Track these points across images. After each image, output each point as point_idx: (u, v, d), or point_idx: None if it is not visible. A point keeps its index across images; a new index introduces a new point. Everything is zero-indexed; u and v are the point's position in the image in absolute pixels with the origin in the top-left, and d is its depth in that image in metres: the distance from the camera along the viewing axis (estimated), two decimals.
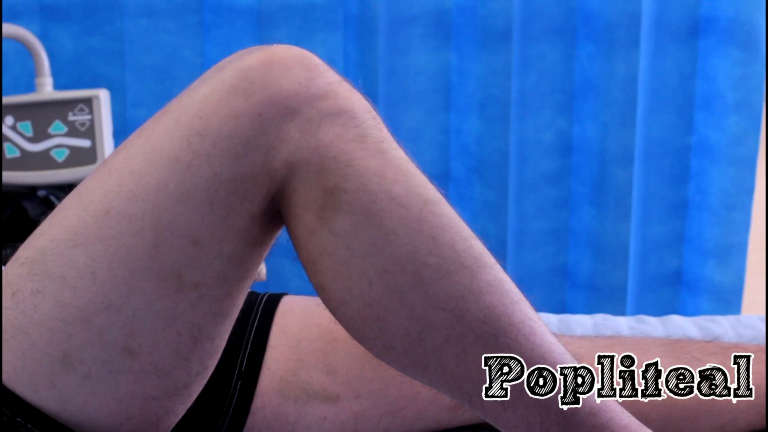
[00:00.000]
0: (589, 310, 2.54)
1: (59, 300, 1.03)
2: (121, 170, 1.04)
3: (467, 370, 1.04)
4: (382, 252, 1.02)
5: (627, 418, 1.07)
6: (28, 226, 2.18)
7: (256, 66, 1.03)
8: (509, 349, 1.04)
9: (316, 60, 1.06)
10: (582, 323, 1.70)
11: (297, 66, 1.04)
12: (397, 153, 1.06)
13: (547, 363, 1.05)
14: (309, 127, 1.03)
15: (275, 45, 1.06)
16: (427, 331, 1.04)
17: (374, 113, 1.07)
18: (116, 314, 1.03)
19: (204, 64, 2.38)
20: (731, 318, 1.72)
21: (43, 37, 2.33)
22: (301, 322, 1.30)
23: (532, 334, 1.05)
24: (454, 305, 1.03)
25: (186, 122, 1.03)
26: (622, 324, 1.70)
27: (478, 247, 1.05)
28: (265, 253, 1.09)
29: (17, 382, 1.05)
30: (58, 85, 2.34)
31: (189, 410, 1.17)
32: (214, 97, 1.03)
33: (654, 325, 1.68)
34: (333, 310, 1.07)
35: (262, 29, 2.39)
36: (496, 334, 1.04)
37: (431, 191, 1.05)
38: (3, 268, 1.11)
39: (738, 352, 1.27)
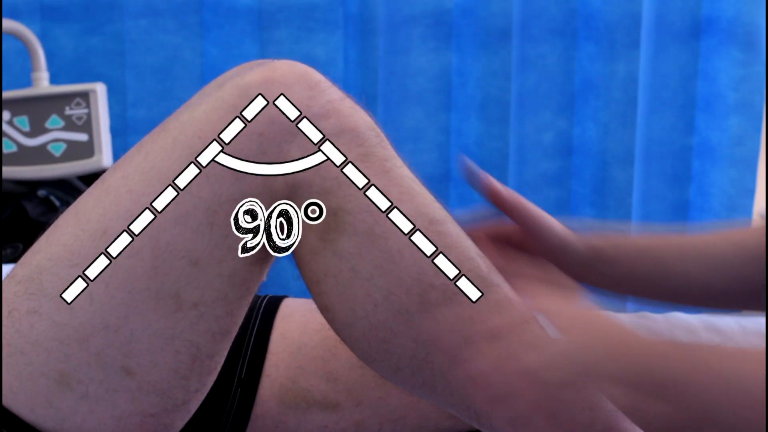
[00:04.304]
0: None
1: (56, 320, 1.03)
2: (119, 189, 1.03)
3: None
4: (387, 274, 1.02)
5: None
6: (28, 226, 2.17)
7: (256, 84, 1.02)
8: None
9: (317, 77, 1.05)
10: None
11: (298, 84, 1.03)
12: (402, 171, 1.05)
13: None
14: (310, 146, 1.02)
15: (276, 61, 1.05)
16: (434, 352, 1.03)
17: (378, 131, 1.06)
18: (114, 335, 1.02)
19: (204, 64, 2.37)
20: (733, 313, 1.72)
21: (43, 37, 2.32)
22: (301, 327, 1.29)
23: None
24: (462, 326, 1.03)
25: (185, 141, 1.02)
26: (624, 320, 1.69)
27: (485, 265, 1.04)
28: (266, 271, 1.08)
29: (14, 401, 1.05)
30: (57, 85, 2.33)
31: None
32: (213, 116, 1.02)
33: (656, 320, 1.68)
34: (338, 331, 1.06)
35: (262, 29, 2.38)
36: None
37: (437, 210, 1.04)
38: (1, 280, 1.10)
39: None
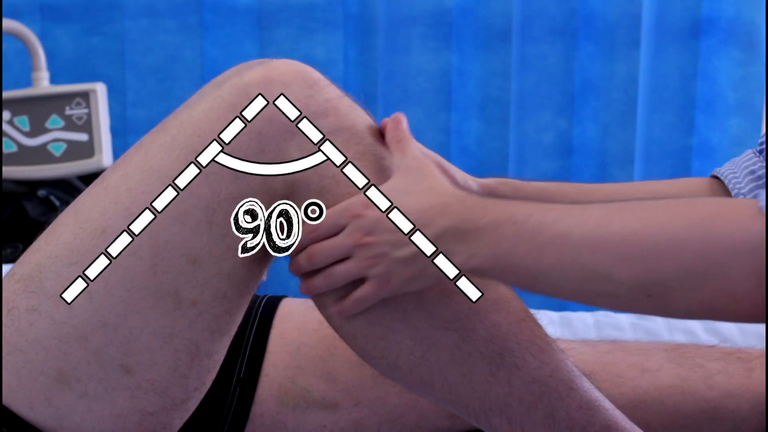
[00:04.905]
0: (591, 310, 2.53)
1: (55, 318, 1.03)
2: (118, 188, 1.03)
3: (473, 389, 1.04)
4: None
5: None
6: (28, 226, 2.17)
7: (255, 83, 1.02)
8: (516, 368, 1.03)
9: (316, 75, 1.05)
10: (583, 320, 1.70)
11: (296, 83, 1.03)
12: None
13: (555, 381, 1.04)
14: (309, 145, 1.02)
15: (274, 60, 1.05)
16: (431, 350, 1.04)
17: (376, 129, 1.06)
18: (113, 333, 1.02)
19: (204, 64, 2.37)
20: None
21: (43, 37, 2.32)
22: (300, 327, 1.29)
23: (539, 353, 1.04)
24: (459, 325, 1.03)
25: (184, 140, 1.02)
26: (624, 320, 1.69)
27: None
28: (265, 270, 1.08)
29: (13, 399, 1.05)
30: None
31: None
32: (212, 115, 1.02)
33: (656, 321, 1.68)
34: (336, 329, 1.06)
35: (262, 29, 2.38)
36: (502, 353, 1.03)
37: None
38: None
39: (741, 356, 1.27)
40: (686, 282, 0.84)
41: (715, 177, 1.27)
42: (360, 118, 1.05)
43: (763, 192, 0.83)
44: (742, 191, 1.21)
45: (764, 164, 1.22)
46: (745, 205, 0.83)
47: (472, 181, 1.19)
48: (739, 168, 1.24)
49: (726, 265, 0.82)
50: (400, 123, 1.05)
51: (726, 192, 1.24)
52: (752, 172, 1.22)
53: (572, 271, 0.90)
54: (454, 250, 0.96)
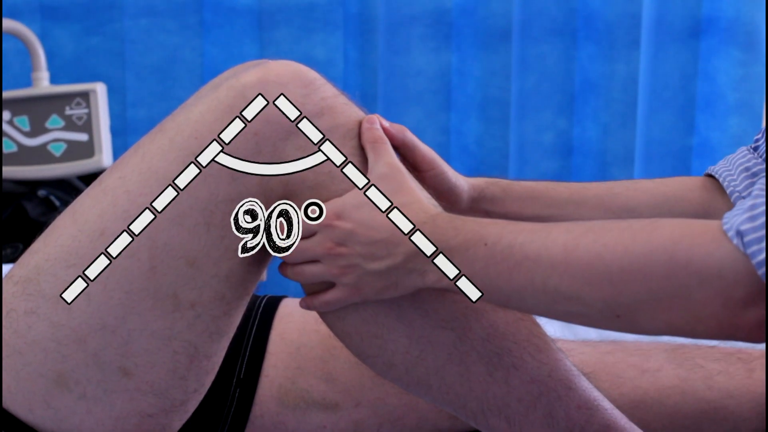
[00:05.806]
0: None
1: (53, 321, 1.03)
2: (116, 190, 1.03)
3: (471, 389, 1.04)
4: None
5: None
6: (28, 226, 2.17)
7: (251, 84, 1.02)
8: (514, 368, 1.03)
9: (312, 75, 1.05)
10: None
11: (292, 83, 1.03)
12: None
13: (554, 380, 1.04)
14: (305, 144, 1.02)
15: (271, 61, 1.05)
16: (428, 350, 1.04)
17: None
18: (111, 335, 1.02)
19: (204, 64, 2.37)
20: None
21: (43, 37, 2.32)
22: (300, 327, 1.29)
23: (537, 352, 1.04)
24: (456, 324, 1.03)
25: (181, 142, 1.02)
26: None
27: None
28: (263, 271, 1.08)
29: (12, 402, 1.05)
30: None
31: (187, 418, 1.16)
32: (209, 117, 1.02)
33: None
34: (331, 326, 1.07)
35: (262, 29, 2.38)
36: (499, 353, 1.04)
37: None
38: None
39: (741, 356, 1.27)
40: (652, 305, 0.87)
41: (710, 175, 1.27)
42: (355, 114, 1.06)
43: (731, 213, 0.84)
44: (737, 189, 1.21)
45: (758, 161, 1.23)
46: (708, 228, 0.85)
47: (463, 180, 1.19)
48: (734, 165, 1.24)
49: (691, 289, 0.84)
50: (374, 123, 1.05)
51: (721, 190, 1.24)
52: (747, 169, 1.22)
53: (542, 293, 0.92)
54: (428, 269, 0.97)
